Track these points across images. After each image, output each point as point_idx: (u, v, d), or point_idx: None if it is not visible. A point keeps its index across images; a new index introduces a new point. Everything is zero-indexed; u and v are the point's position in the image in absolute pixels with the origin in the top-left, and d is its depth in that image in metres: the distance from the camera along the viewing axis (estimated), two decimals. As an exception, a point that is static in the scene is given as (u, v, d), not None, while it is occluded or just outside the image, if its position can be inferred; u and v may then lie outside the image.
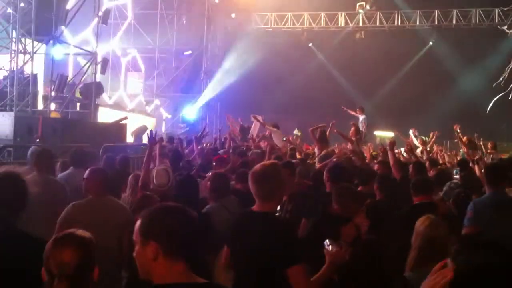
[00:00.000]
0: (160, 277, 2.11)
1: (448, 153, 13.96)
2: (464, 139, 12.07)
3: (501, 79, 20.52)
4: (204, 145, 10.63)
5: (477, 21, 22.86)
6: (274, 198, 3.46)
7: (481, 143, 12.77)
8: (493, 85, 20.82)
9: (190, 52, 23.42)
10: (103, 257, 2.75)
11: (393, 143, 7.55)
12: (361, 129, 13.10)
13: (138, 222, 2.19)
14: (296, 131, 15.76)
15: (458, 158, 11.83)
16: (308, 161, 9.12)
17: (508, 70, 20.34)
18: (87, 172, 4.86)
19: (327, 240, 3.33)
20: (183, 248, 2.14)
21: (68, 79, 15.35)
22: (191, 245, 2.17)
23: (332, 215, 4.39)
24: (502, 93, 20.41)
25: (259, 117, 13.88)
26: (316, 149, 10.50)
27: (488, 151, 12.90)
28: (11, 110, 13.42)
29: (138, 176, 5.97)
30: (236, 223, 3.61)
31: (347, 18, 24.26)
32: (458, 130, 12.09)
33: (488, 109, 21.21)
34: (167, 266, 2.10)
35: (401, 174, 6.83)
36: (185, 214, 2.20)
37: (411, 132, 14.26)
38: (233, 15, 24.97)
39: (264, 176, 3.41)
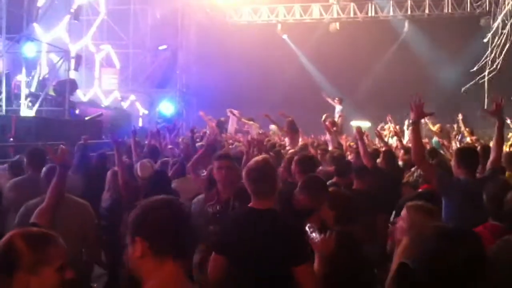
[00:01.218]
0: (148, 276, 2.01)
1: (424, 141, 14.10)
2: (437, 127, 12.23)
3: (475, 68, 20.74)
4: (180, 139, 10.55)
5: (449, 10, 23.11)
6: (273, 193, 3.43)
7: (464, 129, 12.97)
8: (470, 71, 20.98)
9: (165, 46, 23.25)
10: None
11: (360, 132, 7.46)
12: (337, 120, 13.16)
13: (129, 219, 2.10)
14: (273, 127, 15.46)
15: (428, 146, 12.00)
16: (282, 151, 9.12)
17: (484, 58, 20.54)
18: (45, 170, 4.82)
19: (309, 227, 3.27)
20: (172, 245, 2.02)
21: (41, 77, 15.13)
22: (180, 242, 2.05)
23: (294, 208, 4.28)
24: (478, 77, 20.59)
25: (235, 112, 13.87)
26: (287, 139, 10.51)
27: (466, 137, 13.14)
28: (-17, 110, 13.21)
29: (116, 172, 5.94)
30: (238, 223, 3.47)
31: (321, 10, 24.30)
32: (427, 120, 12.24)
33: (462, 90, 21.31)
34: (155, 264, 2.00)
35: (372, 163, 6.85)
36: (175, 209, 2.09)
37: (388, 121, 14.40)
38: (207, 9, 24.83)
39: (261, 172, 3.38)
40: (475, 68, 20.60)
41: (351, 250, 3.59)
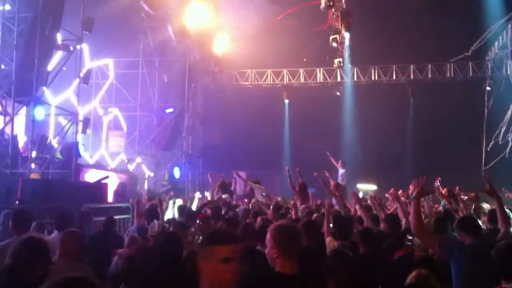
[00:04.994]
0: None
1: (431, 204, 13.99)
2: (444, 190, 12.16)
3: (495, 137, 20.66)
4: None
5: (452, 75, 23.50)
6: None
7: (462, 195, 12.88)
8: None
9: (171, 109, 23.58)
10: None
11: (357, 197, 8.00)
12: (341, 183, 13.11)
13: None
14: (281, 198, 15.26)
15: (439, 209, 11.89)
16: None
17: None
18: (62, 234, 4.81)
19: None
20: None
21: (49, 140, 15.30)
22: None
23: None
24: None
25: (241, 173, 13.91)
26: (298, 202, 10.53)
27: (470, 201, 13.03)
28: (-10, 171, 13.28)
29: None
30: None
31: (325, 74, 24.75)
32: (439, 184, 12.24)
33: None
34: None
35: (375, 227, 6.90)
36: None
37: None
38: (214, 73, 25.36)
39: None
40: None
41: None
